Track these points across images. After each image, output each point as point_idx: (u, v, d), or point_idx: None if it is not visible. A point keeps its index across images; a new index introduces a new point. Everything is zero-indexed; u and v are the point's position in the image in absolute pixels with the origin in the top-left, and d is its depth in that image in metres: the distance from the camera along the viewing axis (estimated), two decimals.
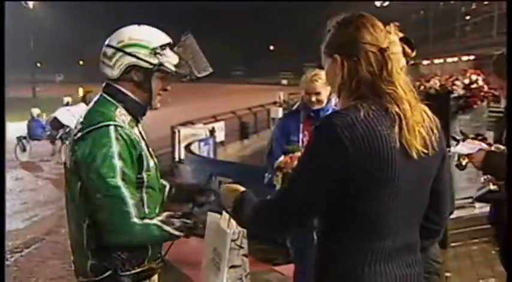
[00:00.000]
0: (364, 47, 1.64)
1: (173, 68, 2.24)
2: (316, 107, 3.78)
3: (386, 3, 49.99)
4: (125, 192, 2.05)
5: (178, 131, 13.22)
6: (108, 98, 2.23)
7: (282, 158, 3.54)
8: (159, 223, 2.12)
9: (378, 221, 1.61)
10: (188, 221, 2.18)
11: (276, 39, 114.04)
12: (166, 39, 2.26)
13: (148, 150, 2.29)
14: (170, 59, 2.24)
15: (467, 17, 51.87)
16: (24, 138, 14.30)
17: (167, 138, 13.40)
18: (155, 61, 2.20)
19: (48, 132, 14.50)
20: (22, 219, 8.67)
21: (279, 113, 19.75)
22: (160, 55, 2.20)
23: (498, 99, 5.30)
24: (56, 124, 13.77)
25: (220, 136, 15.35)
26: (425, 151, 1.62)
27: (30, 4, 46.75)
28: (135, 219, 2.06)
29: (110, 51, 2.22)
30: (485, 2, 46.64)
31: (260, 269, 5.46)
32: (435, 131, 1.68)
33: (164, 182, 2.52)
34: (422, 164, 1.63)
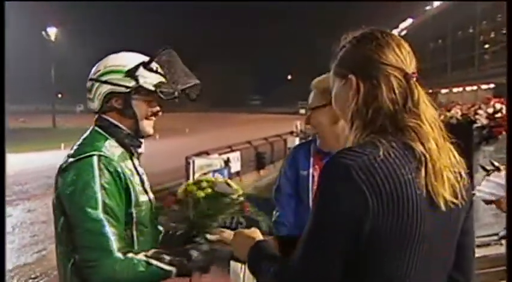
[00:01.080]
0: (386, 69, 1.36)
1: (152, 88, 2.06)
2: None
3: (404, 32, 50.13)
4: (107, 225, 1.88)
5: (193, 162, 13.01)
6: (100, 130, 2.11)
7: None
8: (144, 258, 1.92)
9: None
10: (181, 259, 1.98)
11: (293, 69, 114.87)
12: (142, 59, 2.09)
13: (143, 185, 2.13)
14: (149, 79, 2.06)
15: (486, 46, 52.21)
16: None
17: (182, 169, 13.20)
18: (131, 84, 2.05)
19: None
20: (31, 252, 8.45)
21: (296, 142, 19.46)
22: (137, 77, 2.04)
23: None
24: None
25: (235, 166, 15.13)
26: (455, 201, 1.34)
27: (52, 36, 47.63)
28: (118, 254, 1.88)
29: (89, 84, 2.12)
30: (504, 31, 46.84)
31: None
32: (464, 176, 1.39)
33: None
34: (449, 216, 1.35)
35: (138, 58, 2.10)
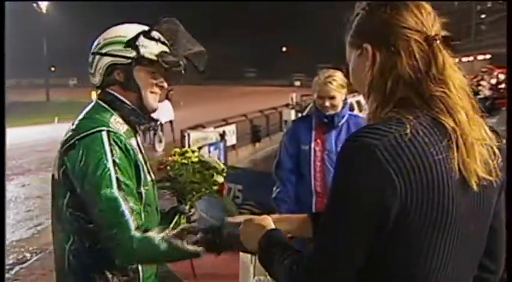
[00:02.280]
0: (405, 33, 1.22)
1: (154, 58, 1.98)
2: (330, 112, 3.36)
3: None
4: (122, 203, 1.81)
5: (188, 135, 12.88)
6: (103, 104, 2.03)
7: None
8: (166, 237, 1.84)
9: (423, 280, 1.18)
10: (209, 236, 1.85)
11: (288, 40, 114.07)
12: (143, 28, 2.01)
13: (146, 165, 2.07)
14: (150, 49, 1.98)
15: (483, 16, 52.01)
16: None
17: (177, 143, 13.09)
18: (132, 54, 1.97)
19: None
20: (26, 228, 8.37)
21: (292, 115, 19.40)
22: (138, 47, 1.96)
23: None
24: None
25: (231, 140, 15.01)
26: (489, 178, 1.20)
27: (44, 8, 46.85)
28: (135, 233, 1.81)
29: (90, 58, 2.04)
30: (501, 1, 46.75)
31: None
32: (497, 152, 1.25)
33: None
34: (482, 196, 1.21)
35: (138, 28, 2.02)
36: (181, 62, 2.00)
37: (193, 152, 2.20)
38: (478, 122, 1.24)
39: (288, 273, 1.25)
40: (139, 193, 1.95)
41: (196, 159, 2.15)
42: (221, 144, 12.91)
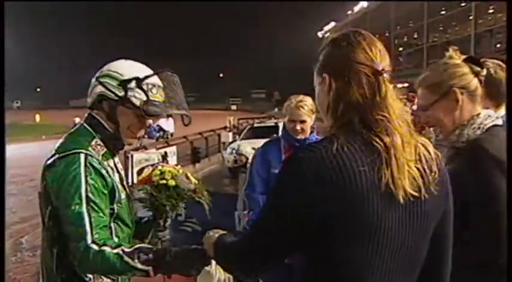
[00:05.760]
0: (357, 67, 1.37)
1: (138, 104, 2.04)
2: (300, 136, 3.30)
3: (328, 34, 51.53)
4: (86, 217, 1.88)
5: (131, 156, 12.73)
6: (88, 127, 2.11)
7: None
8: (120, 252, 1.89)
9: None
10: (157, 256, 1.91)
11: (225, 67, 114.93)
12: (142, 74, 2.07)
13: (122, 183, 2.15)
14: (138, 95, 2.04)
15: (400, 49, 55.11)
16: (143, 137, 16.90)
17: (121, 163, 12.84)
18: (121, 94, 2.04)
19: (158, 134, 20.78)
20: None
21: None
22: (127, 89, 2.03)
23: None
24: (160, 129, 20.81)
25: (172, 160, 14.93)
26: (415, 194, 1.31)
27: None
28: (92, 245, 1.87)
29: (92, 80, 2.13)
30: (415, 36, 49.87)
31: None
32: (435, 169, 1.37)
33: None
34: (414, 211, 1.33)
35: (139, 70, 2.08)
36: (162, 113, 2.10)
37: (169, 171, 2.22)
38: (413, 144, 1.34)
39: (224, 253, 1.55)
40: (112, 209, 2.02)
41: (173, 183, 2.18)
42: None
